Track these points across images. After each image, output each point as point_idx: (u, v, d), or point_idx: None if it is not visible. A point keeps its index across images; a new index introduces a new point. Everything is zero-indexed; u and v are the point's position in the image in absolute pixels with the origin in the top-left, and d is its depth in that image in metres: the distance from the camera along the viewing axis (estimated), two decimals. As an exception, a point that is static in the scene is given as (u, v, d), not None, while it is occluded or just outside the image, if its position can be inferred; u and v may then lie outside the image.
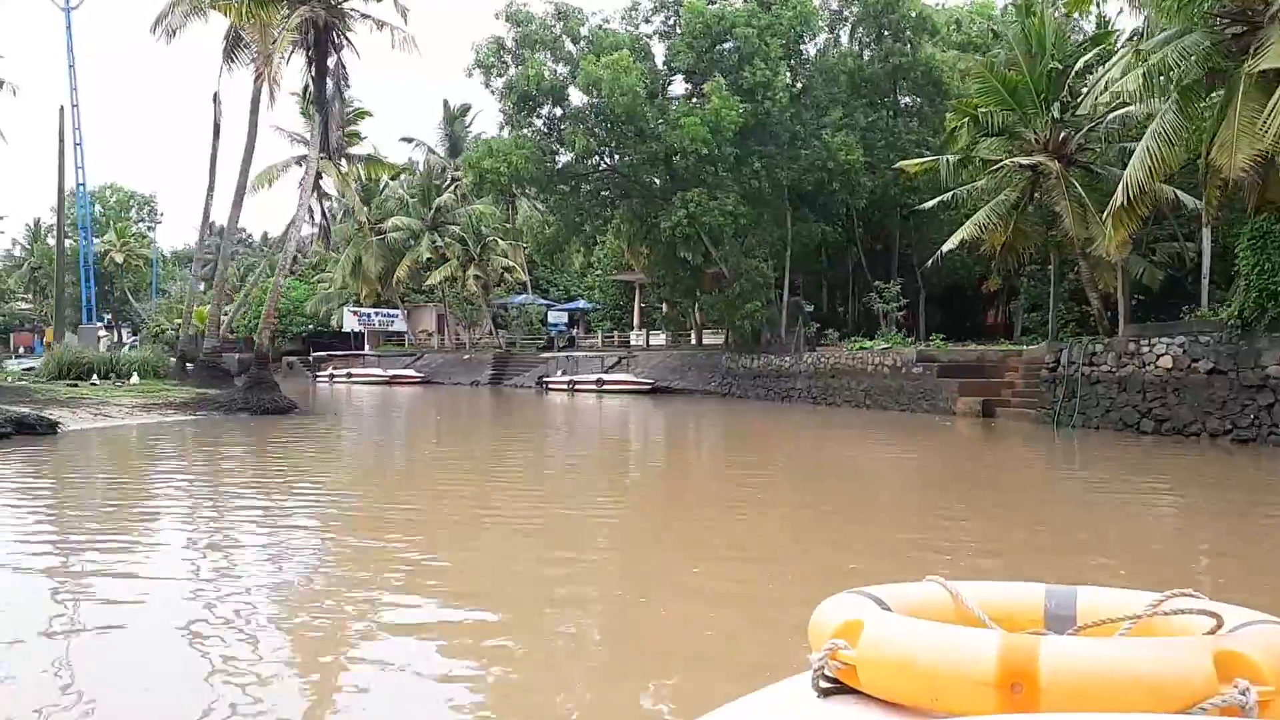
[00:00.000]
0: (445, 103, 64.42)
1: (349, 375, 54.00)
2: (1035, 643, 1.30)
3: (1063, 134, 19.75)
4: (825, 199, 34.77)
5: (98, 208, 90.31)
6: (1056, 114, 19.05)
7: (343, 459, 16.53)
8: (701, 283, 36.19)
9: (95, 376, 23.61)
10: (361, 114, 33.31)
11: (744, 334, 34.77)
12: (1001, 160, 19.84)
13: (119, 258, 79.79)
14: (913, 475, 15.09)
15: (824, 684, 1.45)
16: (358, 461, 16.42)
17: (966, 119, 20.62)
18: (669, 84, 35.58)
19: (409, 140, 63.57)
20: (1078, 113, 18.28)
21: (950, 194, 20.95)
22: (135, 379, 23.49)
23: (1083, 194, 18.80)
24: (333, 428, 21.83)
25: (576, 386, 40.83)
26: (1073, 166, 19.57)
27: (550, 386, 42.56)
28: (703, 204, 30.92)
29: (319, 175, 33.30)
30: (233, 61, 23.99)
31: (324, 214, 32.82)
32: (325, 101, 23.99)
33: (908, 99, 38.54)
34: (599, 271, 54.98)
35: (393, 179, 62.95)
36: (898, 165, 23.57)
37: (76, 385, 22.48)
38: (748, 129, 32.14)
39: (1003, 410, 23.73)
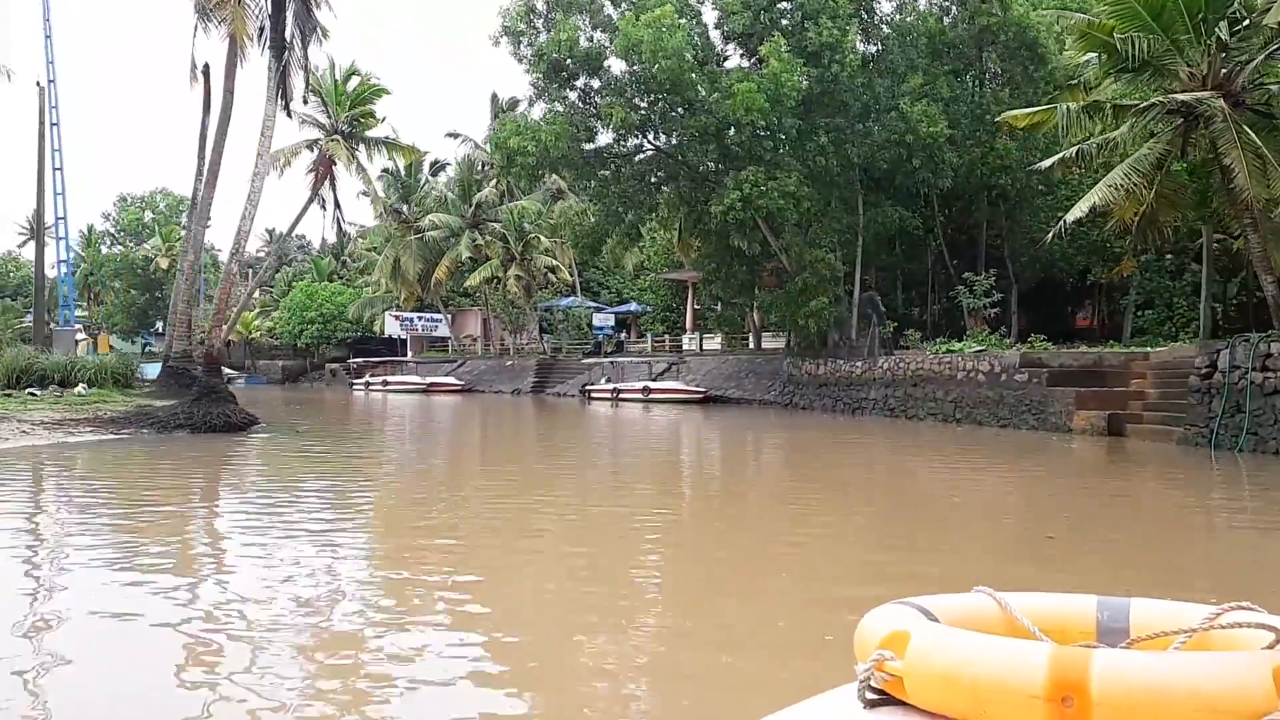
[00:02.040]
0: (494, 96, 61.16)
1: (384, 383, 50.81)
2: (1087, 655, 1.27)
3: (1226, 67, 15.05)
4: (903, 179, 30.16)
5: (148, 214, 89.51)
6: (1224, 35, 14.35)
7: (241, 533, 9.46)
8: (759, 278, 31.86)
9: (36, 387, 20.32)
10: (379, 91, 29.76)
11: (808, 336, 30.30)
12: (1148, 100, 15.15)
13: (164, 263, 78.20)
14: (1041, 517, 10.68)
15: (870, 695, 1.43)
16: (259, 540, 9.02)
17: (1099, 51, 16.00)
18: (724, 59, 31.43)
19: (455, 135, 60.26)
20: (1262, 24, 13.55)
21: (1075, 149, 16.30)
22: (82, 389, 20.19)
23: (1258, 142, 14.11)
24: (291, 455, 17.12)
25: (621, 395, 36.85)
26: (1241, 108, 14.88)
27: (593, 395, 38.67)
28: (759, 184, 26.62)
29: (332, 161, 29.87)
30: (208, 20, 20.57)
31: (336, 202, 29.39)
32: (283, 43, 20.20)
33: (996, 66, 33.64)
34: (652, 272, 50.95)
35: (434, 173, 60.03)
36: (1002, 117, 19.00)
37: (10, 396, 19.22)
38: (812, 98, 27.78)
39: (1134, 427, 19.01)
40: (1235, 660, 1.26)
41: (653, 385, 36.08)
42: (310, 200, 29.36)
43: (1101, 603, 1.66)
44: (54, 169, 32.69)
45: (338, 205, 29.66)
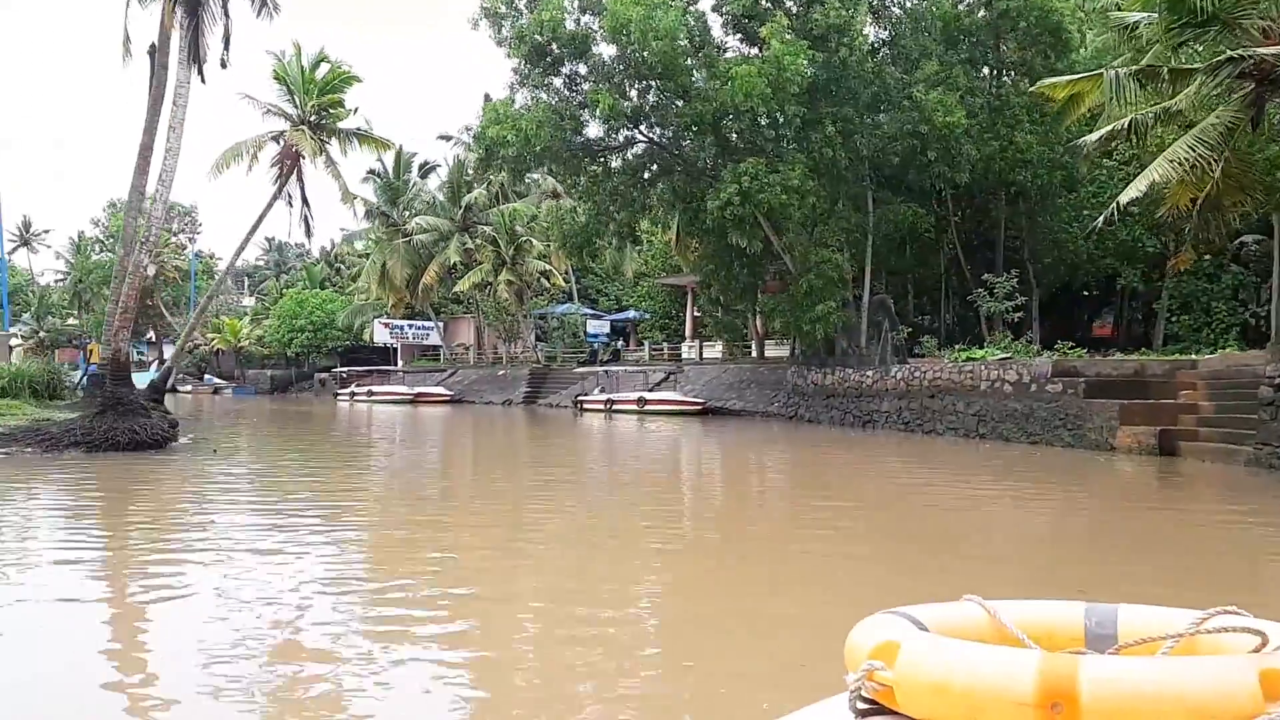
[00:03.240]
0: (486, 96, 59.04)
1: (370, 394, 48.56)
2: (1075, 662, 1.28)
3: (1310, 22, 12.73)
4: (916, 174, 27.84)
5: (140, 220, 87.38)
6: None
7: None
8: (762, 281, 29.53)
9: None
10: (349, 79, 27.50)
11: (814, 343, 27.97)
12: (1218, 57, 12.76)
13: (152, 269, 75.92)
14: (1094, 563, 8.31)
15: (861, 705, 1.43)
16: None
17: (1157, 4, 13.64)
18: (723, 50, 29.18)
19: (448, 138, 58.10)
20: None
21: (1128, 119, 13.91)
22: (-17, 400, 18.00)
23: (1353, 109, 11.79)
24: (194, 485, 14.10)
25: (615, 406, 34.55)
26: (1328, 72, 12.56)
27: (585, 406, 36.37)
28: (760, 177, 24.30)
29: (299, 156, 27.66)
30: (146, -10, 18.35)
31: (304, 199, 27.15)
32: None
33: (1014, 55, 31.29)
34: (651, 278, 48.62)
35: (423, 175, 57.77)
36: (1039, 86, 16.61)
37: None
38: (818, 85, 25.56)
39: (1188, 445, 16.62)
40: (1222, 664, 1.26)
41: (648, 396, 33.77)
42: (275, 197, 27.14)
43: (1089, 609, 1.67)
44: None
45: (305, 202, 27.43)
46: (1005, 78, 31.19)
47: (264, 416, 36.75)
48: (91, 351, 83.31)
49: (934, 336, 27.69)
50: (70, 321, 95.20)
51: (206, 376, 75.13)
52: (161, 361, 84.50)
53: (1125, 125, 13.82)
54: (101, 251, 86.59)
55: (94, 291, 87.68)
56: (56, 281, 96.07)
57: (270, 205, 27.11)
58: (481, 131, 26.17)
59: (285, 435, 27.49)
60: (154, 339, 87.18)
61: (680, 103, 25.94)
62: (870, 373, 25.80)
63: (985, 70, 31.44)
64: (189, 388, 72.56)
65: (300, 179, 27.68)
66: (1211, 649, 1.47)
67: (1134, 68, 13.59)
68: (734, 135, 25.90)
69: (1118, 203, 14.17)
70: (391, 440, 25.78)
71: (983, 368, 22.01)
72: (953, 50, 29.68)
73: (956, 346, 24.63)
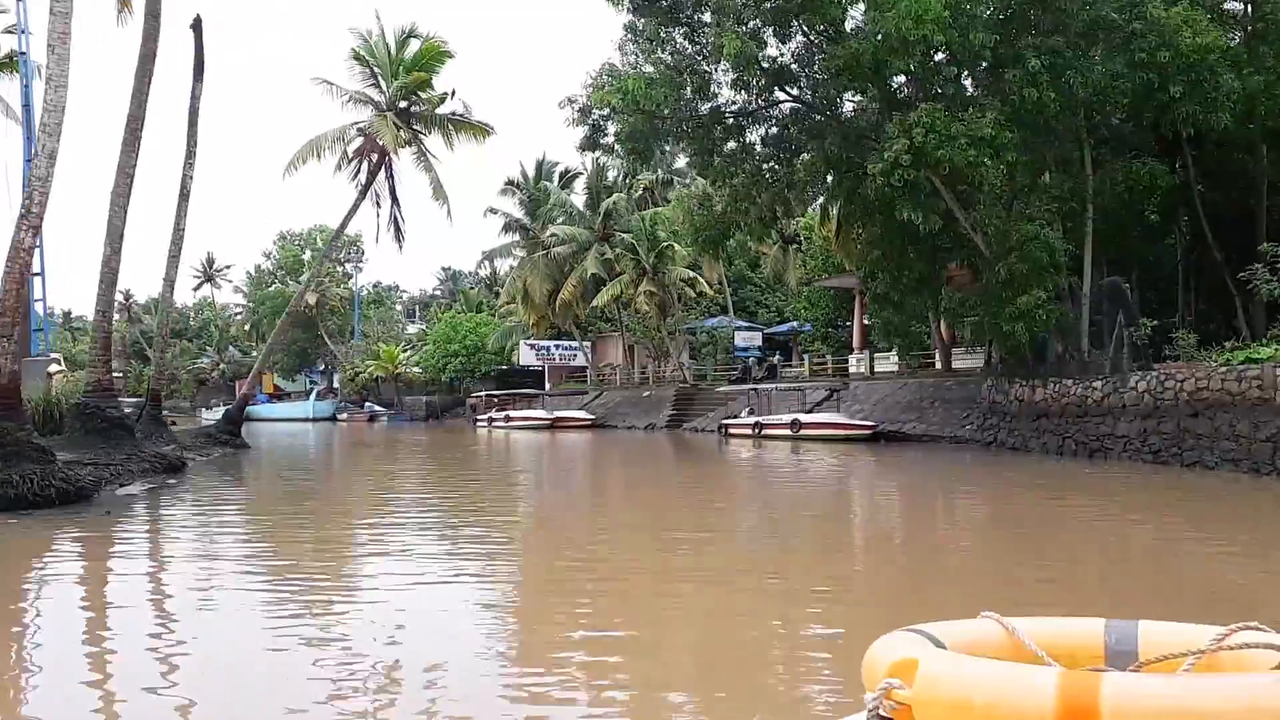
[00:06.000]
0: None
1: (507, 419, 45.05)
2: (1096, 680, 1.26)
3: None
4: (1150, 121, 21.17)
5: (307, 252, 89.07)
6: None
7: None
8: (942, 269, 23.42)
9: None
10: (439, 55, 23.63)
11: (1018, 347, 21.53)
12: None
13: (312, 299, 76.50)
14: None
15: None
16: None
17: None
18: None
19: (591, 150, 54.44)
20: None
21: None
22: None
23: None
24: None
25: (764, 431, 29.08)
26: None
27: (730, 431, 31.11)
28: (937, 127, 18.42)
29: (383, 151, 23.97)
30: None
31: (394, 198, 23.47)
32: None
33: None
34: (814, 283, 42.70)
35: (564, 185, 54.18)
36: None
37: None
38: (1015, 11, 19.53)
39: None
40: (1247, 682, 1.24)
41: (804, 418, 28.11)
42: (361, 196, 23.57)
43: (1109, 626, 1.64)
44: (27, 160, 27.11)
45: (395, 201, 23.72)
46: (1267, -4, 23.87)
47: (370, 446, 33.45)
48: (264, 381, 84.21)
49: (1191, 332, 20.65)
50: (252, 354, 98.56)
51: (367, 404, 74.81)
52: (330, 389, 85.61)
53: None
54: (272, 284, 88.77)
55: (269, 323, 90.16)
56: (235, 314, 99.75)
57: (356, 206, 23.53)
58: (585, 104, 21.57)
59: (338, 474, 23.22)
60: (324, 368, 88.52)
61: (814, 25, 20.33)
62: (1099, 384, 19.27)
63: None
64: (345, 416, 72.38)
65: (390, 175, 23.98)
66: (1234, 666, 1.44)
67: None
68: (901, 82, 20.17)
69: None
70: (479, 476, 21.39)
71: (1276, 372, 15.29)
72: (1191, -34, 22.79)
73: (1227, 345, 17.77)
